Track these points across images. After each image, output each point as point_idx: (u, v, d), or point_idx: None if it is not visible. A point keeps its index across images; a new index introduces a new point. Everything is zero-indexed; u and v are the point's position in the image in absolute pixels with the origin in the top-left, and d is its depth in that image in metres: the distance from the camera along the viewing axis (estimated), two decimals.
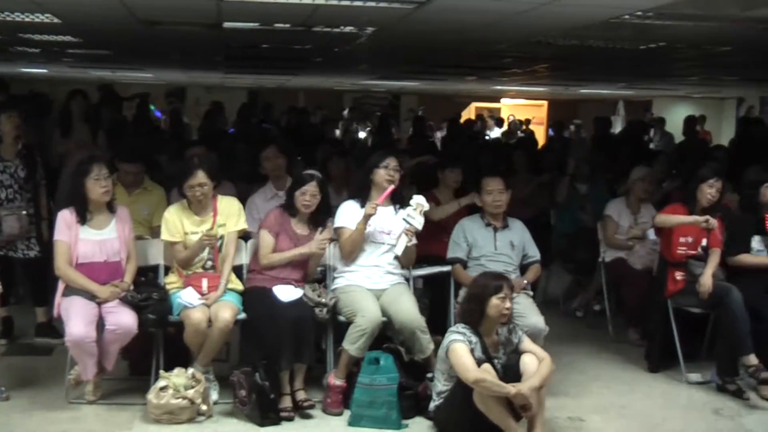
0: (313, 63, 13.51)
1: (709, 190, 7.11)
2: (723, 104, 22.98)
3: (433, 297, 7.32)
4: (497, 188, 6.91)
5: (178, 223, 6.35)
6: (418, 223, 6.35)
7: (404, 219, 6.37)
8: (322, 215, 6.59)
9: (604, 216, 8.48)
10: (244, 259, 6.69)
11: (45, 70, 18.40)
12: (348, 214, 6.58)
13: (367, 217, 6.38)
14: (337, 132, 20.90)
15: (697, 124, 15.80)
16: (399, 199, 6.66)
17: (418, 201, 6.41)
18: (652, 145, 17.44)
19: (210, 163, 6.64)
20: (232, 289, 6.39)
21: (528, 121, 25.14)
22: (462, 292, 6.54)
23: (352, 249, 6.50)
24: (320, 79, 19.80)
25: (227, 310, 6.07)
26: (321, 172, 6.99)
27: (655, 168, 9.69)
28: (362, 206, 6.54)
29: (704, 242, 7.14)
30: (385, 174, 6.54)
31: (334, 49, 10.86)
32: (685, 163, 10.99)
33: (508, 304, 5.64)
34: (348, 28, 8.56)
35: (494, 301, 5.58)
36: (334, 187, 8.08)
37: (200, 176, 6.29)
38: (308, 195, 6.42)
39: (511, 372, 5.52)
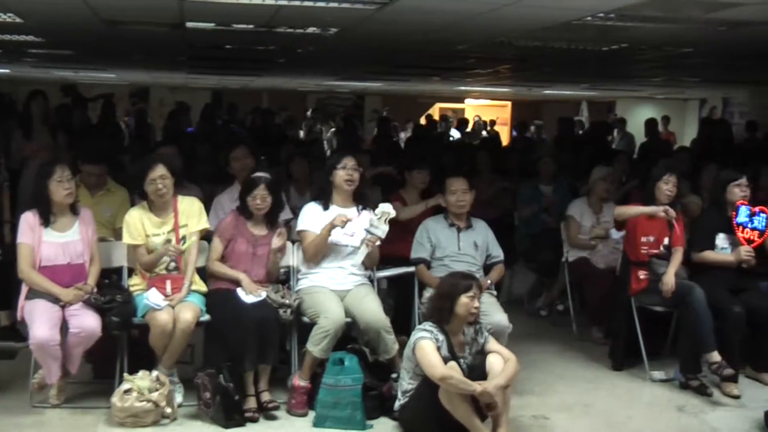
0: (276, 64, 13.50)
1: (665, 187, 7.20)
2: (686, 105, 23.16)
3: (398, 297, 7.33)
4: (461, 188, 6.93)
5: (139, 226, 6.31)
6: (382, 232, 6.34)
7: (367, 230, 6.38)
8: (277, 214, 6.60)
9: (567, 216, 8.53)
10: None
11: (7, 70, 18.23)
12: (310, 217, 6.57)
13: (332, 226, 6.36)
14: (301, 133, 20.92)
15: (658, 125, 15.91)
16: (361, 199, 6.66)
17: (384, 209, 6.39)
18: (613, 146, 17.57)
19: (172, 161, 6.61)
20: (196, 291, 6.36)
21: (493, 122, 25.22)
22: (426, 293, 6.58)
23: (315, 253, 6.49)
24: (284, 80, 19.77)
25: (189, 312, 6.04)
26: (284, 172, 7.01)
27: (616, 168, 9.77)
28: (324, 208, 6.55)
29: (666, 241, 7.22)
30: (344, 174, 6.54)
31: (297, 50, 10.85)
32: (644, 162, 11.08)
33: (476, 303, 5.68)
34: (311, 29, 8.56)
35: (463, 299, 5.61)
36: (297, 187, 8.08)
37: (160, 169, 6.28)
38: (258, 199, 6.40)
39: (476, 372, 5.54)
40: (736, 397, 6.74)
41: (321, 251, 6.47)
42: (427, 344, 5.49)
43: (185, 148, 10.12)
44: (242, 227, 6.48)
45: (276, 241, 6.43)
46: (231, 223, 6.50)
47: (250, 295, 6.23)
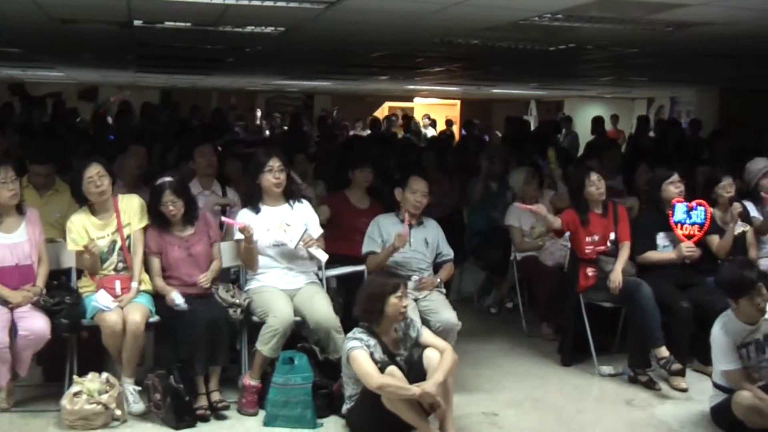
0: (225, 63, 13.45)
1: (597, 184, 7.29)
2: (634, 104, 23.37)
3: (347, 296, 7.33)
4: (422, 190, 6.94)
5: (82, 231, 6.25)
6: (297, 232, 6.38)
7: (295, 246, 6.41)
8: (194, 210, 6.53)
9: (507, 226, 8.58)
10: None
11: None
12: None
13: (246, 239, 6.30)
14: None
15: (605, 123, 16.06)
16: (290, 195, 6.66)
17: (279, 221, 6.44)
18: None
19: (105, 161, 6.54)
20: (145, 291, 6.33)
21: (451, 122, 25.26)
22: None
23: (249, 260, 6.48)
24: (233, 79, 19.69)
25: (137, 314, 6.01)
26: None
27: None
28: (256, 212, 6.53)
29: (612, 237, 7.31)
30: (272, 178, 6.52)
31: (245, 49, 10.83)
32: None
33: (405, 303, 5.70)
34: (259, 28, 8.55)
35: (393, 300, 5.62)
36: (235, 188, 8.07)
37: (95, 167, 6.25)
38: (169, 205, 6.35)
39: (415, 368, 5.59)
40: (684, 391, 6.84)
41: (253, 257, 6.44)
42: (359, 354, 5.49)
43: None
44: (167, 236, 6.42)
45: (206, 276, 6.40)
46: (156, 236, 6.42)
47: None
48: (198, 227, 6.50)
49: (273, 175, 6.52)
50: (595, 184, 7.29)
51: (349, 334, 5.74)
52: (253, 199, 6.63)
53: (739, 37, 7.92)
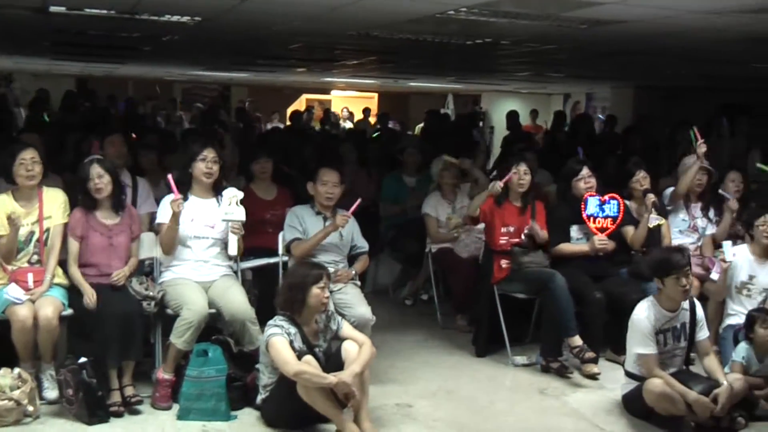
0: (141, 52, 13.28)
1: (522, 176, 7.38)
2: (550, 99, 23.60)
3: (262, 288, 7.33)
4: (332, 181, 6.93)
5: (2, 216, 6.13)
6: (239, 215, 6.32)
7: (224, 220, 6.35)
8: (121, 196, 6.50)
9: (423, 214, 8.65)
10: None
11: None
12: (168, 209, 6.39)
13: (174, 215, 6.24)
14: (161, 122, 20.66)
15: (519, 118, 16.21)
16: (220, 190, 6.61)
17: (229, 194, 6.38)
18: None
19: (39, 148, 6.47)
20: (58, 284, 6.23)
21: (368, 110, 25.25)
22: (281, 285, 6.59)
23: (169, 245, 6.40)
24: (149, 69, 19.46)
25: (49, 307, 5.92)
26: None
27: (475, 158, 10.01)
28: (185, 199, 6.45)
29: (527, 230, 7.39)
30: (204, 167, 6.49)
31: (162, 38, 10.71)
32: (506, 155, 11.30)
33: (327, 294, 5.73)
34: (175, 18, 8.46)
35: (315, 290, 5.65)
36: (149, 179, 8.00)
37: (31, 152, 6.19)
38: (96, 179, 6.28)
39: (333, 359, 5.63)
40: (596, 379, 6.96)
41: (174, 242, 6.38)
42: (278, 341, 5.52)
43: (49, 137, 9.94)
44: (92, 220, 6.33)
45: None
46: (80, 218, 6.32)
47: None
48: (123, 218, 6.43)
49: (206, 164, 6.49)
50: (520, 175, 7.36)
51: (270, 321, 5.75)
52: (183, 186, 6.54)
53: (652, 35, 8.05)
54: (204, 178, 6.51)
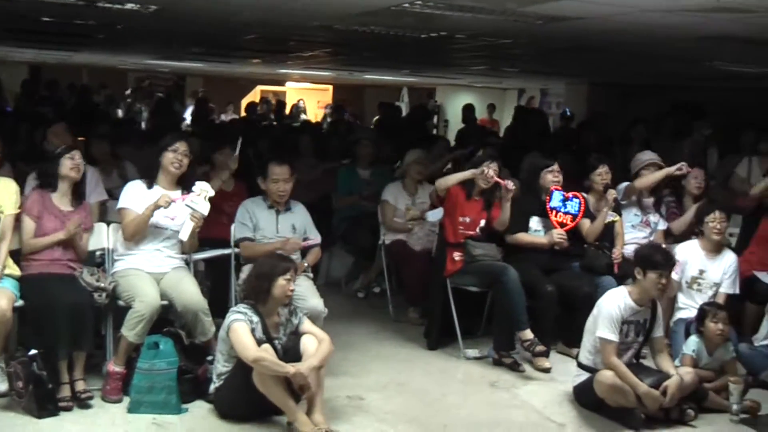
0: (96, 39, 13.14)
1: (486, 174, 7.37)
2: (505, 94, 23.71)
3: (215, 280, 7.31)
4: (283, 177, 6.94)
5: None
6: (203, 208, 6.29)
7: (188, 205, 6.30)
8: (82, 188, 6.48)
9: (382, 200, 8.69)
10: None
11: None
12: (134, 195, 6.43)
13: (156, 206, 6.24)
14: (120, 112, 20.54)
15: (474, 111, 16.26)
16: (186, 186, 6.56)
17: (202, 187, 6.35)
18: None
19: None
20: (9, 275, 6.12)
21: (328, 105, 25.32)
22: (243, 274, 6.58)
23: (135, 232, 6.35)
24: (104, 57, 19.26)
25: (2, 298, 5.83)
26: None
27: (433, 151, 10.05)
28: (149, 187, 6.44)
29: (482, 223, 7.43)
30: (173, 158, 6.46)
31: (117, 26, 10.60)
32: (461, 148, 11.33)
33: (292, 286, 5.75)
34: (130, 5, 8.37)
35: (281, 281, 5.68)
36: (101, 169, 7.93)
37: None
38: (68, 162, 6.27)
39: (291, 353, 5.63)
40: (547, 372, 7.02)
41: (141, 230, 6.35)
42: (240, 326, 5.53)
43: (4, 128, 9.85)
44: (48, 203, 6.28)
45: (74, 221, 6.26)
46: (37, 200, 6.28)
47: None
48: (78, 209, 6.38)
49: (175, 156, 6.46)
50: (485, 173, 7.36)
51: (234, 308, 5.78)
52: (150, 173, 6.53)
53: (607, 33, 8.09)
54: (172, 168, 6.46)
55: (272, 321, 5.76)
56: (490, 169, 7.34)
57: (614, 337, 6.05)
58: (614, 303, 6.11)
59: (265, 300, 5.71)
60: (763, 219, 8.14)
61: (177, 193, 6.48)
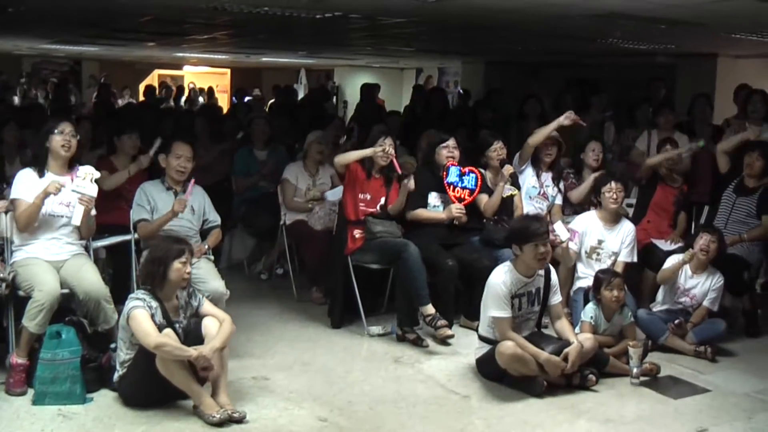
0: None
1: (380, 149, 7.45)
2: (403, 74, 23.82)
3: (116, 266, 7.25)
4: (185, 155, 6.93)
5: None
6: (91, 190, 6.20)
7: (74, 190, 6.21)
8: None
9: (282, 180, 8.71)
10: None
11: None
12: (25, 184, 6.29)
13: (46, 194, 6.12)
14: (16, 99, 20.16)
15: (373, 91, 16.31)
16: (77, 166, 6.49)
17: (86, 170, 6.25)
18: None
19: None
20: None
21: (212, 90, 25.11)
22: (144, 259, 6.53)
23: (28, 222, 6.23)
24: None
25: None
26: None
27: (328, 131, 10.08)
28: (40, 176, 6.31)
29: (383, 201, 7.52)
30: (61, 140, 6.34)
31: (8, 9, 10.39)
32: (362, 128, 11.38)
33: (189, 269, 5.73)
34: None
35: (176, 264, 5.65)
36: (6, 152, 7.81)
37: None
38: None
39: (192, 335, 5.63)
40: (450, 338, 7.11)
41: (34, 220, 6.23)
42: (140, 313, 5.49)
43: None
44: None
45: None
46: None
47: None
48: None
49: (63, 137, 6.33)
50: (385, 149, 7.42)
51: (132, 295, 5.72)
52: (38, 161, 6.40)
53: (498, 12, 8.20)
54: (62, 151, 6.35)
55: (171, 305, 5.73)
56: (387, 145, 7.42)
57: (505, 313, 6.18)
58: (500, 280, 6.23)
59: (161, 284, 5.68)
60: (658, 188, 8.41)
61: (68, 178, 6.38)
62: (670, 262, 7.38)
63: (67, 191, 6.27)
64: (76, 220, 6.24)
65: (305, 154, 8.92)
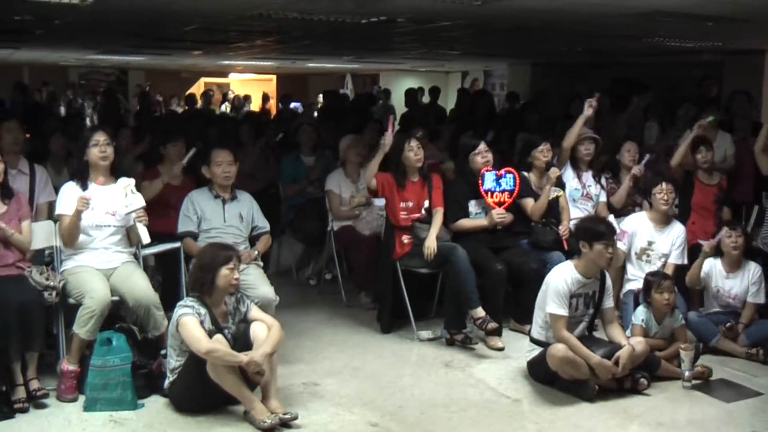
0: (34, 36, 12.99)
1: (415, 151, 7.45)
2: (448, 77, 23.78)
3: (165, 273, 7.28)
4: (226, 160, 6.96)
5: None
6: (138, 202, 6.29)
7: (128, 213, 6.31)
8: (8, 186, 6.36)
9: (326, 191, 8.71)
10: None
11: None
12: (68, 199, 6.34)
13: (78, 213, 6.16)
14: (62, 109, 20.36)
15: (417, 95, 16.30)
16: (119, 173, 6.55)
17: (123, 184, 6.35)
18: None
19: None
20: None
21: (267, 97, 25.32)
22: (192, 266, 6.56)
23: (70, 238, 6.29)
24: (44, 53, 19.04)
25: None
26: (45, 149, 6.79)
27: (365, 134, 10.10)
28: (84, 188, 6.36)
29: (426, 204, 7.48)
30: (98, 152, 6.40)
31: (54, 21, 10.49)
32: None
33: (236, 275, 5.75)
34: None
35: (224, 271, 5.67)
36: (52, 167, 7.87)
37: None
38: None
39: (241, 341, 5.65)
40: (500, 349, 7.09)
41: (75, 236, 6.29)
42: (189, 320, 5.52)
43: None
44: None
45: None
46: None
47: None
48: (11, 206, 6.27)
49: (99, 149, 6.39)
50: (414, 150, 7.41)
51: (180, 302, 5.75)
52: (81, 174, 6.46)
53: (544, 12, 8.15)
54: (100, 162, 6.41)
55: (220, 311, 5.76)
56: (413, 142, 7.47)
57: (563, 311, 6.13)
58: (561, 278, 6.19)
59: (210, 291, 5.71)
60: (696, 188, 8.26)
61: (111, 187, 6.42)
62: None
63: (113, 199, 6.33)
64: (146, 239, 6.35)
65: (343, 162, 8.91)
